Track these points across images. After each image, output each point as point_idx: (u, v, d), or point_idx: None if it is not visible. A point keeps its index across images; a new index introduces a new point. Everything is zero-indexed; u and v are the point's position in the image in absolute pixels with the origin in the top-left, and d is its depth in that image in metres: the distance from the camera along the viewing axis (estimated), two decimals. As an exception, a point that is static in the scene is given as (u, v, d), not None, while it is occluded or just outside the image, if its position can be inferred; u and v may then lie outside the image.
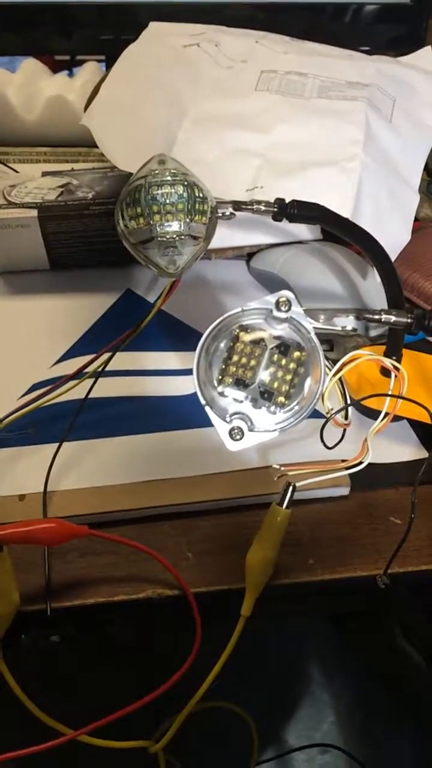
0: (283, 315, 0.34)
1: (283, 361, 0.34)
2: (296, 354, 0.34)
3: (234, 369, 0.34)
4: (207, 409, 0.34)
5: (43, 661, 0.65)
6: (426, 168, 0.64)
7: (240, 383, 0.34)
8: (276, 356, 0.34)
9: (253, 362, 0.34)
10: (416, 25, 0.92)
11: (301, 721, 0.93)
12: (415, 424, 0.50)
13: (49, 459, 0.45)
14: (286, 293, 0.34)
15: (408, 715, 0.93)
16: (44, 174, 0.67)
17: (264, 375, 0.34)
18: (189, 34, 0.69)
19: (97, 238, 0.61)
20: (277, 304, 0.34)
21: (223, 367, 0.35)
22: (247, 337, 0.34)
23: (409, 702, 0.93)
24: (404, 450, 0.49)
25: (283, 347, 0.34)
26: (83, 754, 0.40)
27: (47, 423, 0.48)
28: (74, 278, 0.62)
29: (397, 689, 0.93)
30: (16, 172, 0.73)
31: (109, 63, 0.68)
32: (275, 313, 0.34)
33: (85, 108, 0.63)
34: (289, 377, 0.34)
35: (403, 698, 0.93)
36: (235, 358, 0.34)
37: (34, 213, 0.58)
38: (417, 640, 0.47)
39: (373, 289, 0.56)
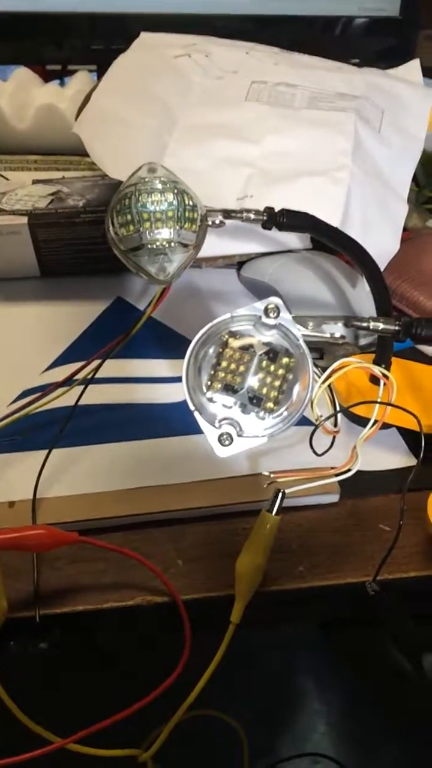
0: (271, 321, 0.34)
1: (272, 367, 0.34)
2: (285, 360, 0.34)
3: (223, 375, 0.35)
4: (196, 414, 0.34)
5: (32, 669, 0.65)
6: (414, 179, 0.64)
7: (229, 389, 0.35)
8: (265, 362, 0.35)
9: (242, 368, 0.34)
10: (405, 38, 0.94)
11: (291, 731, 0.93)
12: (404, 432, 0.50)
13: (39, 466, 0.45)
14: (274, 300, 0.34)
15: (399, 724, 0.93)
16: (35, 182, 0.67)
17: (253, 381, 0.35)
18: (180, 45, 0.69)
19: (88, 246, 0.61)
20: (266, 311, 0.34)
21: (212, 372, 0.35)
22: (236, 343, 0.35)
23: (400, 710, 0.93)
24: (393, 457, 0.49)
25: (272, 353, 0.35)
26: (72, 762, 0.40)
27: (37, 429, 0.48)
28: (64, 286, 0.63)
29: (388, 697, 0.93)
30: (7, 179, 0.73)
31: (101, 73, 0.68)
32: (264, 319, 0.34)
33: (76, 117, 0.63)
34: (277, 383, 0.34)
35: (394, 706, 0.93)
36: (224, 363, 0.35)
37: (25, 220, 0.58)
38: (406, 647, 0.47)
39: (362, 297, 0.56)
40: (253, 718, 0.85)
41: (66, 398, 0.47)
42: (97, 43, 0.85)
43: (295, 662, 0.99)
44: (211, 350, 0.35)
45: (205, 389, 0.35)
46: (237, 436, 0.34)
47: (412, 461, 0.48)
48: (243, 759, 0.71)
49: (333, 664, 0.99)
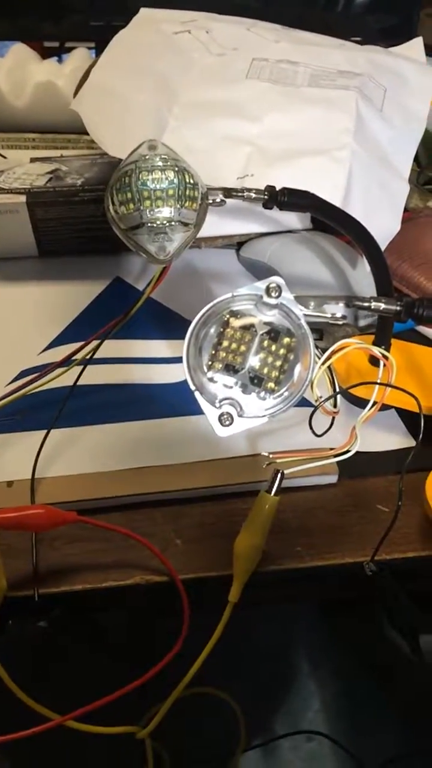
0: (273, 301, 0.34)
1: (273, 347, 0.34)
2: (286, 340, 0.34)
3: (224, 354, 0.34)
4: (196, 394, 0.34)
5: (30, 647, 0.66)
6: (415, 159, 0.64)
7: (230, 369, 0.34)
8: (266, 342, 0.34)
9: (243, 348, 0.34)
10: (407, 16, 0.93)
11: (287, 709, 0.94)
12: (403, 414, 0.50)
13: (38, 446, 0.45)
14: (276, 279, 0.34)
15: (394, 703, 0.94)
16: (33, 160, 0.67)
17: (254, 361, 0.34)
18: (180, 21, 0.68)
19: (86, 225, 0.60)
20: (268, 290, 0.34)
21: (213, 352, 0.34)
22: (237, 323, 0.34)
23: (396, 689, 0.94)
24: (392, 438, 0.49)
25: (273, 333, 0.34)
26: (70, 739, 0.40)
27: (35, 410, 0.48)
28: (63, 265, 0.62)
29: (384, 677, 0.94)
30: (4, 158, 0.72)
31: (99, 50, 0.67)
32: (265, 299, 0.34)
33: (75, 94, 0.62)
34: (279, 363, 0.34)
35: (390, 686, 0.94)
36: (225, 343, 0.34)
37: (23, 199, 0.58)
38: (403, 627, 0.47)
39: (362, 278, 0.56)
40: (249, 695, 0.85)
41: (64, 378, 0.47)
42: (96, 20, 0.83)
43: (291, 640, 1.00)
44: (212, 330, 0.34)
45: (205, 369, 0.34)
46: (237, 416, 0.34)
47: (410, 442, 0.48)
48: (240, 736, 0.71)
49: (330, 643, 1.00)
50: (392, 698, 0.94)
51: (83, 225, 0.60)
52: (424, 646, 0.48)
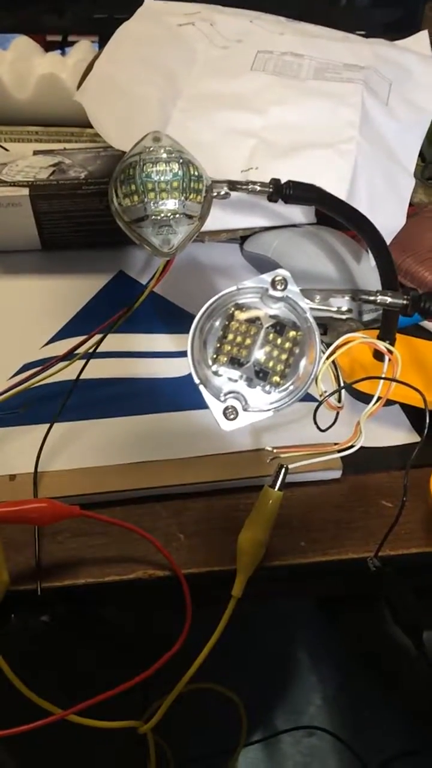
0: (278, 294, 0.33)
1: (279, 341, 0.34)
2: (292, 333, 0.34)
3: (229, 348, 0.34)
4: (201, 388, 0.34)
5: (33, 641, 0.66)
6: (420, 153, 0.63)
7: (235, 362, 0.34)
8: (271, 335, 0.34)
9: (248, 341, 0.34)
10: (412, 10, 0.92)
11: (288, 704, 0.94)
12: (407, 409, 0.50)
13: (40, 439, 0.45)
14: (282, 272, 0.33)
15: (394, 698, 0.94)
16: (36, 153, 0.66)
17: (259, 354, 0.34)
18: (184, 13, 0.68)
19: (89, 219, 0.60)
20: (273, 283, 0.33)
21: (218, 345, 0.34)
22: (242, 316, 0.34)
23: (396, 685, 0.94)
24: (396, 434, 0.49)
25: (279, 326, 0.34)
26: (72, 733, 0.40)
27: (38, 403, 0.48)
28: (66, 259, 0.62)
29: (385, 672, 0.94)
30: (7, 150, 0.72)
31: (102, 43, 0.67)
32: (271, 291, 0.34)
33: (78, 87, 0.62)
34: (284, 357, 0.34)
35: (390, 681, 0.94)
36: (230, 336, 0.34)
37: (26, 192, 0.57)
38: (406, 623, 0.47)
39: (366, 273, 0.55)
40: (251, 690, 0.85)
41: (67, 372, 0.47)
42: (99, 12, 0.83)
43: (293, 636, 1.00)
44: (217, 323, 0.34)
45: (210, 362, 0.34)
46: (242, 410, 0.34)
47: (414, 438, 0.48)
48: (241, 731, 0.71)
49: (331, 639, 1.00)
50: (393, 693, 0.94)
51: (86, 218, 0.60)
52: (428, 641, 0.48)
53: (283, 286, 0.33)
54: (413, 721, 0.91)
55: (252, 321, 0.34)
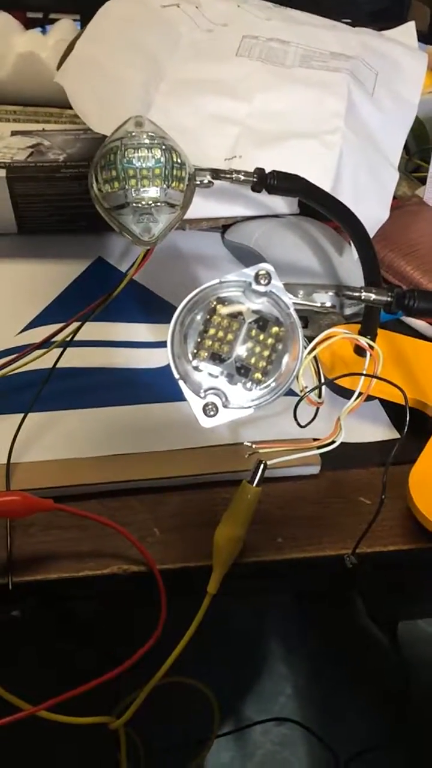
0: (262, 288, 0.33)
1: (261, 337, 0.33)
2: (274, 329, 0.33)
3: (210, 343, 0.33)
4: (180, 383, 0.33)
5: (3, 636, 0.65)
6: (404, 146, 0.63)
7: (216, 358, 0.33)
8: (254, 331, 0.33)
9: (230, 336, 0.33)
10: (399, 0, 0.91)
11: (259, 695, 0.94)
12: (387, 405, 0.49)
13: (14, 430, 0.44)
14: (265, 266, 0.33)
15: (366, 690, 0.94)
16: (14, 133, 0.65)
17: (241, 350, 0.33)
18: (168, -6, 0.66)
19: (68, 203, 0.59)
20: (257, 277, 0.33)
21: (199, 340, 0.33)
22: (224, 310, 0.33)
23: (368, 677, 0.95)
24: (376, 430, 0.48)
25: (262, 322, 0.33)
26: (43, 730, 0.39)
27: (12, 393, 0.47)
28: (43, 243, 0.60)
29: (356, 665, 0.95)
30: (-16, 130, 0.70)
31: (84, 22, 0.65)
32: (254, 286, 0.33)
33: (58, 67, 0.60)
34: (266, 353, 0.33)
35: (362, 673, 0.95)
36: (212, 331, 0.33)
37: (2, 173, 0.56)
38: (381, 619, 0.47)
39: (348, 265, 0.55)
40: (223, 683, 0.86)
41: (43, 361, 0.46)
42: (82, -10, 0.81)
43: (267, 630, 1.00)
44: (198, 317, 0.33)
45: (191, 357, 0.33)
46: (222, 406, 0.33)
47: (393, 434, 0.48)
48: (213, 723, 0.71)
49: (305, 632, 1.00)
50: (365, 685, 0.95)
51: (65, 202, 0.59)
52: (401, 636, 0.48)
53: (266, 281, 0.32)
54: (383, 713, 0.92)
55: (234, 316, 0.33)
